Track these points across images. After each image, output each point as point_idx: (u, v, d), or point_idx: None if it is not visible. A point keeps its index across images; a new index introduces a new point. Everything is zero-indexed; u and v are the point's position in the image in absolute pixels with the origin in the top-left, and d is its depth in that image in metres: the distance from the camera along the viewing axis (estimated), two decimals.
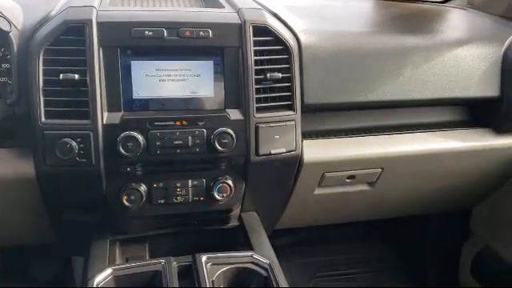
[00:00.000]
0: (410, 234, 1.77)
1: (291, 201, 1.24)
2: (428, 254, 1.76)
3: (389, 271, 1.80)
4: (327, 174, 1.18)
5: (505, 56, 1.21)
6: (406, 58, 1.15)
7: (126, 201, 1.02)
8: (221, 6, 1.12)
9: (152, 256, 1.12)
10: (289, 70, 1.05)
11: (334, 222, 1.46)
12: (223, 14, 1.06)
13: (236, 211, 1.17)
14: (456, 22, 1.40)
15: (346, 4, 1.47)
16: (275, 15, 1.13)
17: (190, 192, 1.07)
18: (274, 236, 1.25)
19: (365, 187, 1.27)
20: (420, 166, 1.26)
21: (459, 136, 1.25)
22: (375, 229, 1.65)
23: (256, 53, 1.03)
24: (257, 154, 1.05)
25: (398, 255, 1.82)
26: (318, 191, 1.24)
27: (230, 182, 1.08)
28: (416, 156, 1.21)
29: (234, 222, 1.18)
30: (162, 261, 0.96)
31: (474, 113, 1.28)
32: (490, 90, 1.21)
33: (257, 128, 1.04)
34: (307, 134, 1.14)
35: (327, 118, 1.18)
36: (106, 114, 0.97)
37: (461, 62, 1.19)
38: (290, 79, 1.06)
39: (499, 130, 1.26)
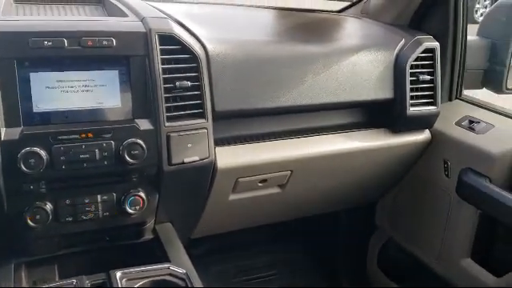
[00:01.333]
0: (321, 232, 1.84)
1: (206, 209, 1.24)
2: (338, 249, 1.84)
3: (304, 270, 1.86)
4: (241, 180, 1.20)
5: (396, 61, 1.31)
6: (307, 65, 1.21)
7: (31, 221, 0.96)
8: (124, 15, 1.09)
9: (63, 277, 1.06)
10: (198, 78, 1.06)
11: (249, 226, 1.48)
12: (127, 23, 1.04)
13: (150, 224, 1.14)
14: (352, 30, 1.49)
15: (248, 13, 1.51)
16: (181, 24, 1.13)
17: (100, 207, 1.03)
18: (190, 246, 1.24)
19: (276, 190, 1.31)
20: (326, 167, 1.32)
21: (360, 137, 1.32)
22: (288, 230, 1.70)
23: (163, 61, 1.02)
24: (169, 163, 1.04)
25: (312, 253, 1.89)
26: (232, 197, 1.25)
27: (142, 195, 1.06)
28: (321, 157, 1.27)
29: (148, 235, 1.15)
30: (74, 280, 0.92)
31: (373, 114, 1.37)
32: (385, 92, 1.31)
33: (168, 137, 1.03)
34: (220, 141, 1.15)
35: (239, 125, 1.20)
36: (3, 130, 0.91)
37: (358, 67, 1.26)
38: (200, 87, 1.06)
39: (394, 129, 1.36)
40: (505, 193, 1.21)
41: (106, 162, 0.98)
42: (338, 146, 1.29)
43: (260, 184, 1.25)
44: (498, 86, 1.42)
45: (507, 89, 1.41)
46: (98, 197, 1.02)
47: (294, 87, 1.18)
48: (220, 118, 1.12)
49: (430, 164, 1.44)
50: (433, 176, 1.44)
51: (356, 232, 1.79)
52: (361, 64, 1.27)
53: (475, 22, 1.45)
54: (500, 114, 1.38)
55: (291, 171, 1.26)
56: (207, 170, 1.12)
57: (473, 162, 1.30)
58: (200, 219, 1.28)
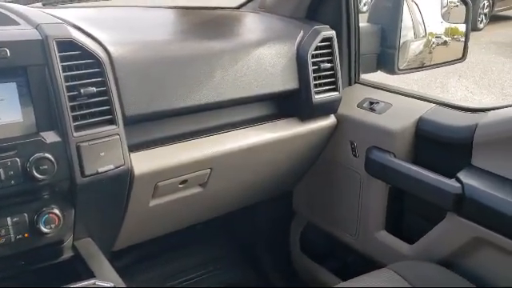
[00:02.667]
0: (243, 225, 1.86)
1: (126, 218, 1.20)
2: (262, 239, 1.88)
3: (231, 264, 1.87)
4: (160, 184, 1.18)
5: (298, 52, 1.36)
6: (215, 62, 1.21)
7: None
8: (15, 23, 1.02)
9: None
10: (103, 83, 1.02)
11: (174, 230, 1.46)
12: (20, 31, 0.97)
13: (68, 241, 1.09)
14: (253, 24, 1.52)
15: (148, 14, 1.47)
16: (79, 29, 1.08)
17: (12, 231, 0.96)
18: (114, 258, 1.20)
19: (197, 189, 1.30)
20: (243, 161, 1.34)
21: (272, 128, 1.36)
22: (212, 227, 1.70)
23: (64, 69, 0.97)
24: (83, 175, 0.99)
25: (237, 246, 1.91)
26: (153, 203, 1.23)
27: (56, 212, 1.00)
28: (238, 152, 1.29)
29: (67, 253, 1.09)
30: None
31: (282, 105, 1.41)
32: (291, 83, 1.35)
33: (78, 148, 0.98)
34: (134, 147, 1.12)
35: (153, 127, 1.17)
36: None
37: (263, 60, 1.29)
38: (107, 92, 1.02)
39: (303, 117, 1.41)
40: (408, 165, 1.32)
41: (13, 182, 0.92)
42: (253, 139, 1.31)
43: (180, 185, 1.24)
44: (390, 68, 1.53)
45: (399, 69, 1.52)
46: (8, 219, 0.95)
47: (204, 84, 1.18)
48: (132, 122, 1.09)
49: (338, 147, 1.52)
50: (342, 157, 1.52)
51: (276, 220, 1.84)
52: (266, 57, 1.30)
53: (360, 12, 1.55)
54: (396, 93, 1.49)
55: (211, 169, 1.26)
56: (124, 178, 1.09)
57: (377, 140, 1.39)
58: (121, 230, 1.23)
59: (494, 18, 9.85)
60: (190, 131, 1.23)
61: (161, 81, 1.12)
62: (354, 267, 1.31)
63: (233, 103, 1.28)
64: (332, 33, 1.40)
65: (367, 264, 1.32)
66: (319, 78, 1.38)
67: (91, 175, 1.01)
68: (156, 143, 1.17)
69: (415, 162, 1.35)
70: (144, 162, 1.12)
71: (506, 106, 1.21)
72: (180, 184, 1.23)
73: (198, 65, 1.18)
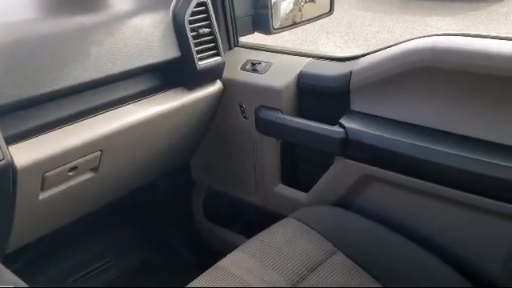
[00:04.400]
0: (143, 203, 1.83)
1: (16, 216, 1.12)
2: (164, 214, 1.86)
3: (136, 246, 1.83)
4: (47, 174, 1.10)
5: (174, 18, 1.33)
6: (88, 37, 1.14)
7: None
8: None
9: None
10: None
11: (70, 221, 1.39)
12: None
13: None
14: None
15: None
16: None
17: None
18: (9, 260, 1.11)
19: (89, 174, 1.24)
20: (135, 137, 1.30)
21: (159, 100, 1.33)
22: (111, 212, 1.64)
23: None
24: None
25: (140, 227, 1.88)
26: (42, 196, 1.15)
27: None
28: (126, 129, 1.24)
29: None
30: None
31: (167, 76, 1.38)
32: (172, 52, 1.32)
33: None
34: (13, 138, 1.03)
35: (31, 115, 1.08)
36: None
37: (140, 31, 1.25)
38: None
39: (189, 86, 1.40)
40: (295, 119, 1.38)
41: None
42: (141, 113, 1.27)
43: (70, 173, 1.17)
44: (266, 28, 1.55)
45: (274, 29, 1.56)
46: None
47: (80, 62, 1.11)
48: (5, 112, 1.00)
49: (228, 111, 1.54)
50: (233, 121, 1.54)
51: (177, 193, 1.83)
52: (142, 27, 1.25)
53: None
54: (274, 52, 1.54)
55: (101, 151, 1.20)
56: (6, 174, 1.00)
57: (263, 100, 1.44)
58: (12, 230, 1.14)
59: None
60: (74, 113, 1.16)
61: (30, 63, 1.03)
62: (259, 224, 1.36)
63: (115, 78, 1.22)
64: None
65: (270, 218, 1.38)
66: (200, 44, 1.37)
67: None
68: (37, 131, 1.08)
69: (301, 115, 1.42)
70: (26, 153, 1.04)
71: (373, 52, 1.31)
72: (69, 171, 1.16)
73: (70, 42, 1.10)
